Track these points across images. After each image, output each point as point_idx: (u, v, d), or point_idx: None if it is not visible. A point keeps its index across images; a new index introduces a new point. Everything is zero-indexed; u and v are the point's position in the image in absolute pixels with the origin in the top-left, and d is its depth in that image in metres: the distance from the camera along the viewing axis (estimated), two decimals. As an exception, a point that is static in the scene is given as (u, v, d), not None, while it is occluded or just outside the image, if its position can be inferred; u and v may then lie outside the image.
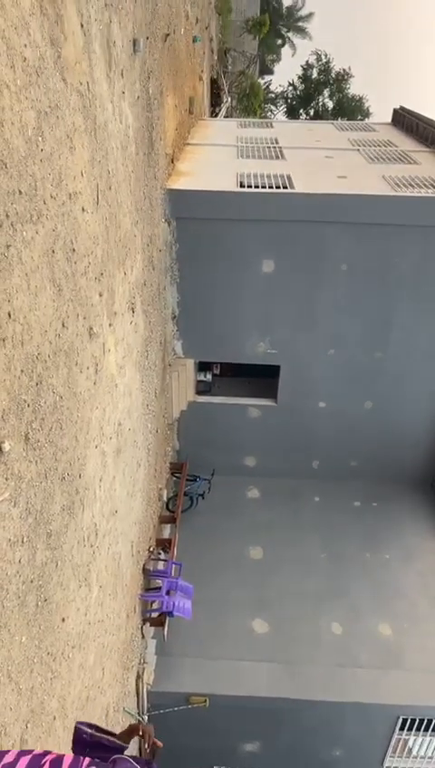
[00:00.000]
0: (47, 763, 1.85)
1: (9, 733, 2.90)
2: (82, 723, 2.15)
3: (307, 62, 32.76)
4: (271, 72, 41.64)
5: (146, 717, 7.09)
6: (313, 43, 35.58)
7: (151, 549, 7.90)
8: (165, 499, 9.34)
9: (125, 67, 5.16)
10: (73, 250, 3.73)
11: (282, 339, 9.14)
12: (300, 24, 35.73)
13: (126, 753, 2.08)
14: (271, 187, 8.31)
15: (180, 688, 7.24)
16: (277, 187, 8.31)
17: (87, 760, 1.90)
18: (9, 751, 1.87)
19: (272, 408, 9.98)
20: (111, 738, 2.05)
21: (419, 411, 9.77)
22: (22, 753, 1.87)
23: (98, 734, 2.07)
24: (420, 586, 8.80)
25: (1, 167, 2.57)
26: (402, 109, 13.62)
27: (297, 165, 9.58)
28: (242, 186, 8.43)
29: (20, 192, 2.80)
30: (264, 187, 8.36)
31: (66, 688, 3.86)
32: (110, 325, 4.83)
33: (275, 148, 10.92)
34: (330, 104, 32.41)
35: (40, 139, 3.05)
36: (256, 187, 8.36)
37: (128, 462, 5.94)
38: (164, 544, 8.38)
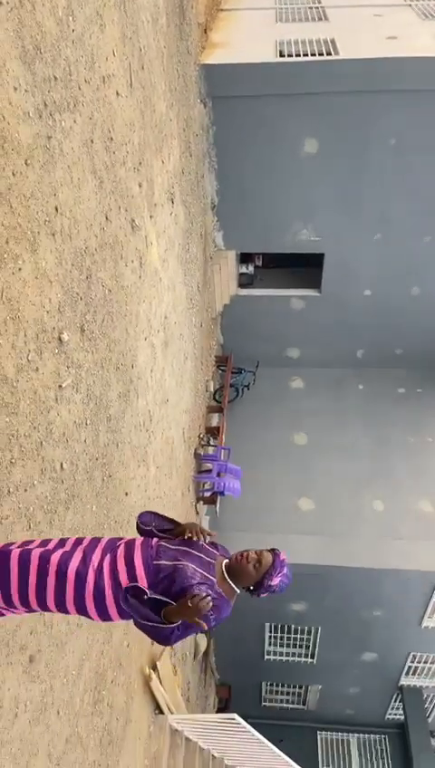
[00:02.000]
0: (122, 544, 2.15)
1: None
2: (144, 513, 2.41)
3: None
4: None
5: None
6: None
7: (201, 435, 8.35)
8: (212, 390, 9.69)
9: None
10: (111, 139, 3.67)
11: (326, 225, 8.84)
12: None
13: None
14: (313, 55, 7.65)
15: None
16: (320, 54, 7.64)
17: (156, 540, 2.19)
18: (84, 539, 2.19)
19: (316, 298, 9.88)
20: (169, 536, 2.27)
21: (468, 296, 9.49)
22: (95, 539, 2.19)
23: (159, 533, 2.28)
24: (461, 467, 9.07)
25: (36, 52, 2.52)
26: None
27: (342, 26, 8.68)
28: (282, 55, 7.78)
29: (55, 78, 2.76)
30: (305, 54, 7.69)
31: (133, 552, 4.36)
32: (151, 217, 4.82)
33: (317, 8, 9.86)
34: None
35: (70, 18, 2.93)
36: (298, 55, 7.70)
37: (175, 354, 6.15)
38: (213, 431, 8.82)
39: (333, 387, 10.51)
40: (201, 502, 8.08)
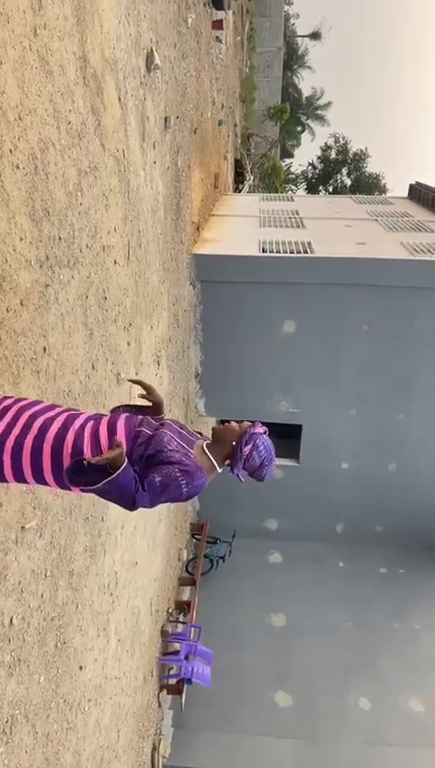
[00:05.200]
0: (108, 416, 2.02)
1: (22, 780, 2.78)
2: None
3: (326, 144, 34.73)
4: (291, 156, 44.06)
5: (161, 796, 6.64)
6: (331, 128, 37.89)
7: (170, 610, 7.68)
8: (185, 560, 9.16)
9: (157, 140, 5.59)
10: (105, 298, 3.93)
11: (304, 398, 9.20)
12: (319, 112, 38.12)
13: None
14: (292, 253, 8.65)
15: (198, 764, 6.80)
16: (298, 253, 8.64)
17: (142, 415, 2.09)
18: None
19: (294, 468, 9.88)
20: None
21: (444, 473, 9.58)
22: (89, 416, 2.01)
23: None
24: (452, 659, 8.31)
25: (45, 214, 2.80)
26: (418, 183, 14.22)
27: (317, 233, 9.98)
28: (264, 251, 8.80)
29: (60, 238, 3.02)
30: (285, 252, 8.70)
31: (81, 743, 3.71)
32: (136, 374, 4.98)
33: (295, 218, 11.43)
34: (348, 182, 33.97)
35: (79, 194, 3.32)
36: (278, 252, 8.71)
37: (149, 514, 5.91)
38: (183, 607, 8.14)
39: (312, 563, 10.02)
40: (165, 691, 7.14)
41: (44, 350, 2.88)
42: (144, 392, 2.17)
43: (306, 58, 38.32)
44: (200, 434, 2.22)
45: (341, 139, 34.03)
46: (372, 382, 8.96)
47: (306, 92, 38.72)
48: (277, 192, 29.72)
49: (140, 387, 2.18)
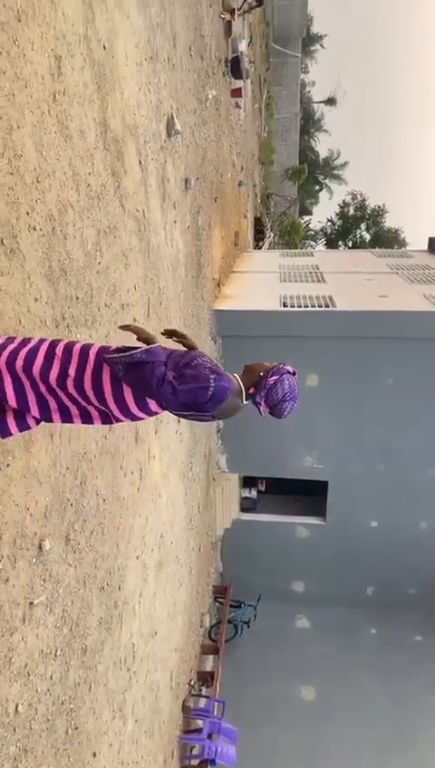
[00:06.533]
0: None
1: None
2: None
3: (344, 201, 35.56)
4: (310, 213, 45.17)
5: None
6: (348, 186, 38.92)
7: (192, 683, 7.24)
8: (207, 626, 8.72)
9: (177, 201, 5.68)
10: (124, 356, 3.86)
11: (329, 453, 8.94)
12: (336, 172, 39.28)
13: None
14: (314, 307, 8.61)
15: None
16: (320, 306, 8.60)
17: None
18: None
19: (321, 527, 9.50)
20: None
21: None
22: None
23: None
24: None
25: (61, 274, 2.76)
26: (438, 237, 14.29)
27: (339, 287, 9.97)
28: (285, 305, 8.78)
29: (77, 298, 2.98)
30: (307, 306, 8.67)
31: None
32: (155, 432, 4.86)
33: (316, 273, 11.48)
34: (367, 236, 34.51)
35: (98, 253, 3.30)
36: (299, 306, 8.68)
37: (169, 578, 5.65)
38: (206, 678, 7.68)
39: (342, 629, 9.47)
40: (187, 773, 6.63)
41: (59, 411, 2.77)
42: (179, 339, 2.31)
43: (323, 122, 39.84)
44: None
45: (358, 197, 34.81)
46: (401, 437, 8.68)
47: (323, 154, 40.02)
48: (297, 248, 30.28)
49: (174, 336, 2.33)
